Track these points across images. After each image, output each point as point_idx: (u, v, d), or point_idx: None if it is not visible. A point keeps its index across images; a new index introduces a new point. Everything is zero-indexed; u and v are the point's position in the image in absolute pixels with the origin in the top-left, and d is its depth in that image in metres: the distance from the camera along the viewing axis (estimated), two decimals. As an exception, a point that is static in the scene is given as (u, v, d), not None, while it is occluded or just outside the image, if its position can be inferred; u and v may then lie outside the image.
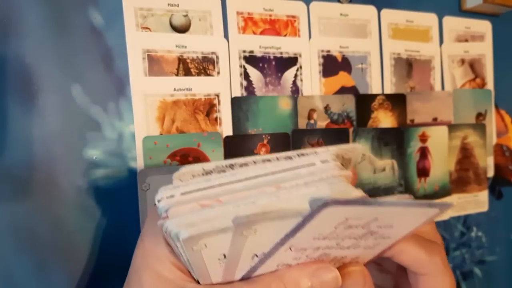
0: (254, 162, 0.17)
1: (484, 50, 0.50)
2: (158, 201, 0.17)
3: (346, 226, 0.16)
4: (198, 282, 0.20)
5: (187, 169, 0.17)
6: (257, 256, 0.17)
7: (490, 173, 0.50)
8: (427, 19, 0.46)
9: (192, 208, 0.16)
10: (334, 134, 0.40)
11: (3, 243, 0.29)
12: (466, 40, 0.49)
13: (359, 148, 0.19)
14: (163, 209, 0.17)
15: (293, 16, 0.39)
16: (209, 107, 0.35)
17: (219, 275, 0.19)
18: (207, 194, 0.16)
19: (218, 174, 0.17)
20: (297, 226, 0.15)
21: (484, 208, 0.49)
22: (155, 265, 0.20)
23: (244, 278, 0.19)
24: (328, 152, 0.18)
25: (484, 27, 0.50)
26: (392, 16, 0.44)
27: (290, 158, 0.17)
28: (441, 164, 0.45)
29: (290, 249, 0.17)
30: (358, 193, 0.17)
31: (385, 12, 0.43)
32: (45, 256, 0.30)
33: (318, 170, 0.17)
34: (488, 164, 0.49)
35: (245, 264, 0.18)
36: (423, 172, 0.44)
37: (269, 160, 0.17)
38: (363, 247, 0.19)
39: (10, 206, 0.29)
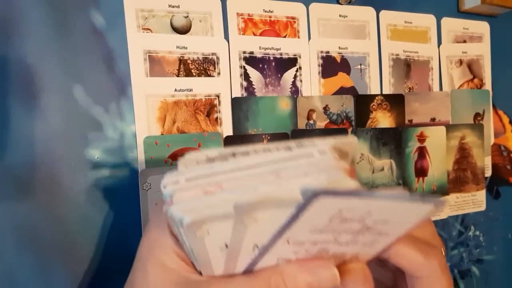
0: (255, 151, 0.18)
1: (482, 51, 0.50)
2: (164, 186, 0.17)
3: (341, 219, 0.16)
4: (200, 274, 0.20)
5: (191, 156, 0.18)
6: (257, 247, 0.18)
7: (488, 172, 0.50)
8: (425, 20, 0.46)
9: (196, 194, 0.17)
10: (333, 134, 0.40)
11: (6, 243, 0.29)
12: (464, 41, 0.49)
13: (355, 142, 0.20)
14: (168, 195, 0.17)
15: (293, 17, 0.39)
16: (209, 108, 0.35)
17: (220, 266, 0.19)
18: (210, 181, 0.17)
19: (221, 162, 0.17)
20: (292, 217, 0.15)
21: (482, 207, 0.49)
22: (159, 255, 0.21)
23: (245, 272, 0.20)
24: (326, 144, 0.18)
25: (482, 28, 0.50)
26: (391, 17, 0.44)
27: (289, 148, 0.18)
28: (439, 164, 0.46)
29: (288, 242, 0.17)
30: (354, 184, 0.17)
31: (383, 13, 0.44)
32: (47, 255, 0.30)
33: (317, 161, 0.18)
34: (486, 164, 0.49)
35: (246, 255, 0.18)
36: (421, 171, 0.45)
37: (269, 150, 0.18)
38: (362, 243, 0.19)
39: (13, 205, 0.29)
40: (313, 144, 0.18)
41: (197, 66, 0.35)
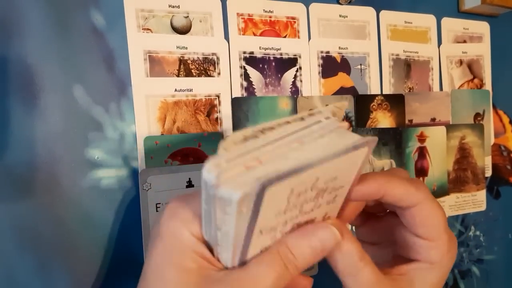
0: (279, 125, 0.21)
1: (482, 51, 0.50)
2: (208, 172, 0.18)
3: (296, 195, 0.19)
4: (219, 268, 0.21)
5: (231, 137, 0.20)
6: (261, 233, 0.20)
7: (488, 172, 0.50)
8: (425, 20, 0.46)
9: (239, 172, 0.18)
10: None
11: (6, 242, 0.29)
12: (465, 41, 0.49)
13: (345, 105, 0.24)
14: (213, 178, 0.18)
15: (293, 18, 0.39)
16: (209, 108, 0.35)
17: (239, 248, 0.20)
18: (248, 158, 0.19)
19: (252, 139, 0.20)
20: (253, 212, 0.17)
21: (482, 207, 0.49)
22: (178, 258, 0.21)
23: (252, 258, 0.21)
24: (327, 111, 0.22)
25: (483, 28, 0.50)
26: (391, 17, 0.44)
27: (303, 119, 0.22)
28: (440, 164, 0.46)
29: (261, 232, 0.19)
30: (356, 137, 0.20)
31: (384, 13, 0.44)
32: (47, 255, 0.30)
33: (325, 125, 0.21)
34: (486, 164, 0.49)
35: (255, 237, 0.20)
36: (422, 172, 0.45)
37: (288, 122, 0.21)
38: (325, 203, 0.22)
39: (13, 205, 0.29)
40: (319, 111, 0.22)
41: (197, 66, 0.35)
